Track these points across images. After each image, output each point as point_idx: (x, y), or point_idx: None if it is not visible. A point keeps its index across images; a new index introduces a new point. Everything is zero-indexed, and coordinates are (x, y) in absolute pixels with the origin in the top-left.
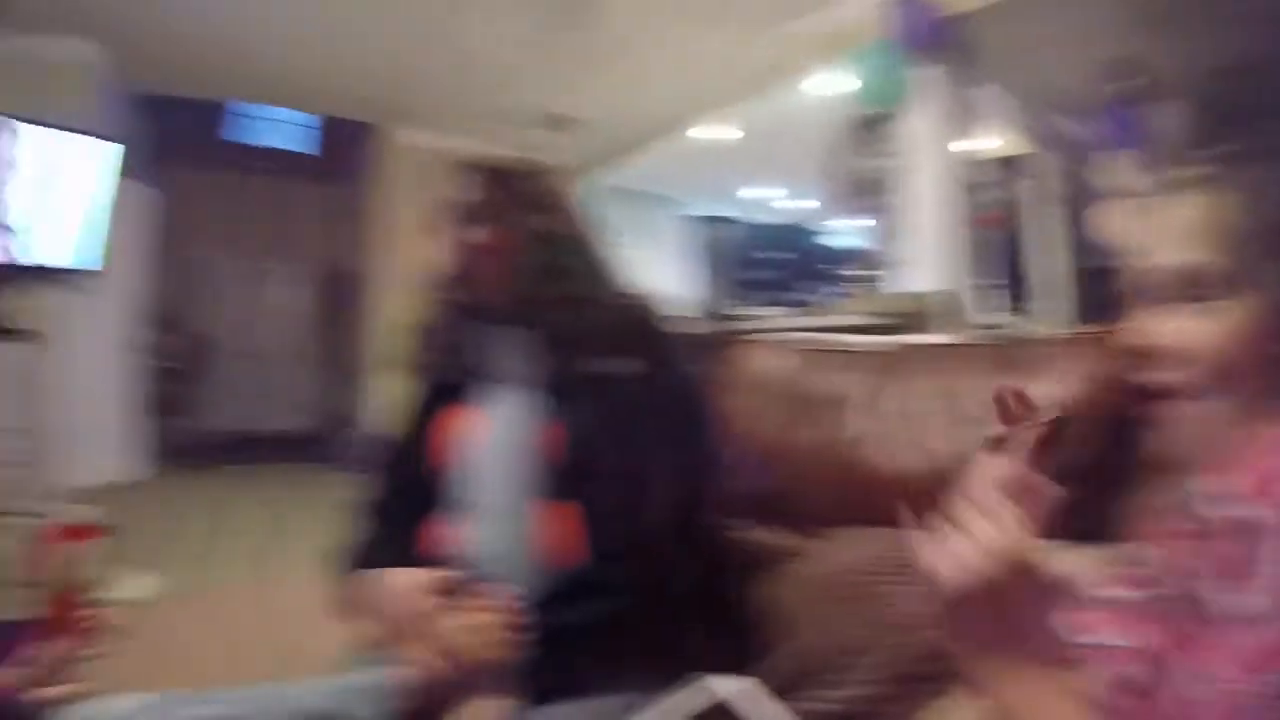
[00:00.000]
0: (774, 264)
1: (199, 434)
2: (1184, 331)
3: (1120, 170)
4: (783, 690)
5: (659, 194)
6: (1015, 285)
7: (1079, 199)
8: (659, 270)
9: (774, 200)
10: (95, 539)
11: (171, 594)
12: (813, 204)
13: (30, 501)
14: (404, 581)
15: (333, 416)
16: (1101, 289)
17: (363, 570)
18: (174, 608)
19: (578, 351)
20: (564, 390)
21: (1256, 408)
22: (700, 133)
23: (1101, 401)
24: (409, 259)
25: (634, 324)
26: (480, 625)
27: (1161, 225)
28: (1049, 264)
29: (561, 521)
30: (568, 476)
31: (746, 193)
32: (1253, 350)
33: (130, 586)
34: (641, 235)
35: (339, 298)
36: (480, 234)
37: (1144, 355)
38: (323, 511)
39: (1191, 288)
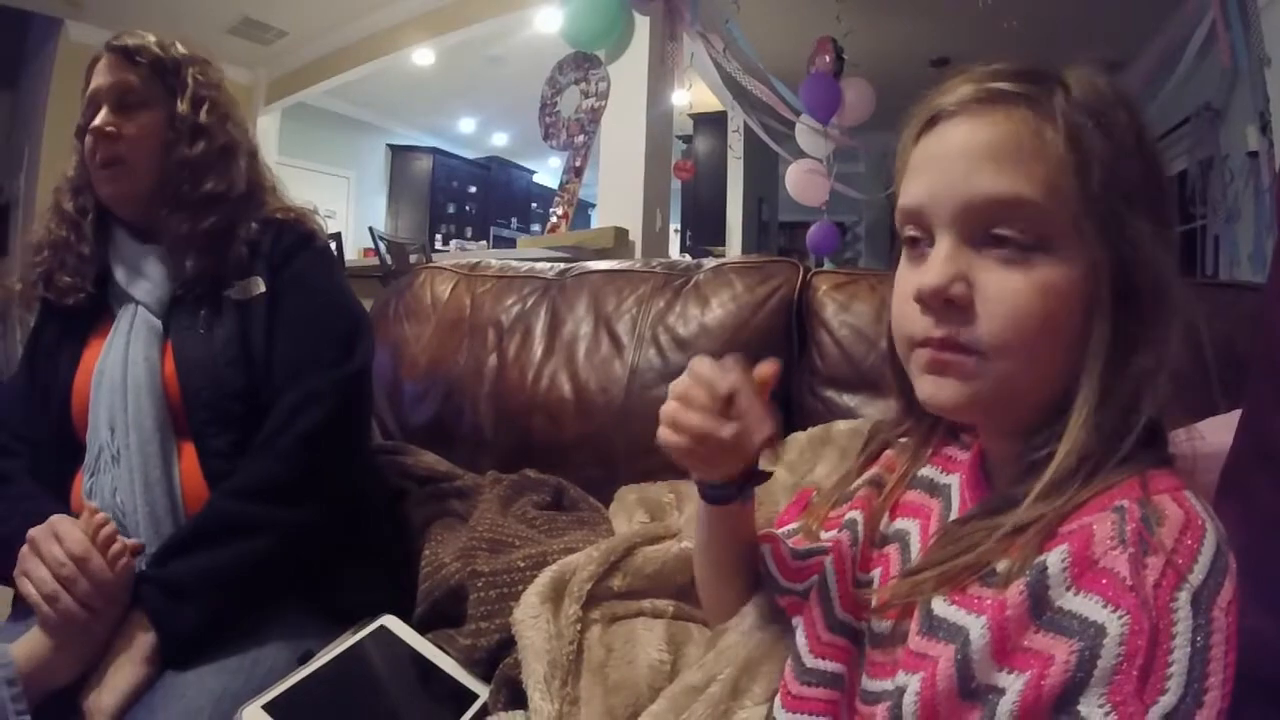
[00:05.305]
0: (473, 197)
1: None
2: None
3: (810, 135)
4: (432, 624)
5: (363, 120)
6: (700, 228)
7: (770, 157)
8: (360, 197)
9: (478, 133)
10: None
11: None
12: (517, 139)
13: None
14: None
15: None
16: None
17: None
18: None
19: (211, 265)
20: (194, 311)
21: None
22: (410, 58)
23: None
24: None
25: (275, 240)
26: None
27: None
28: (733, 212)
29: (195, 460)
30: (199, 408)
31: (452, 124)
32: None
33: None
34: (343, 161)
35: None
36: (121, 122)
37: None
38: None
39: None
